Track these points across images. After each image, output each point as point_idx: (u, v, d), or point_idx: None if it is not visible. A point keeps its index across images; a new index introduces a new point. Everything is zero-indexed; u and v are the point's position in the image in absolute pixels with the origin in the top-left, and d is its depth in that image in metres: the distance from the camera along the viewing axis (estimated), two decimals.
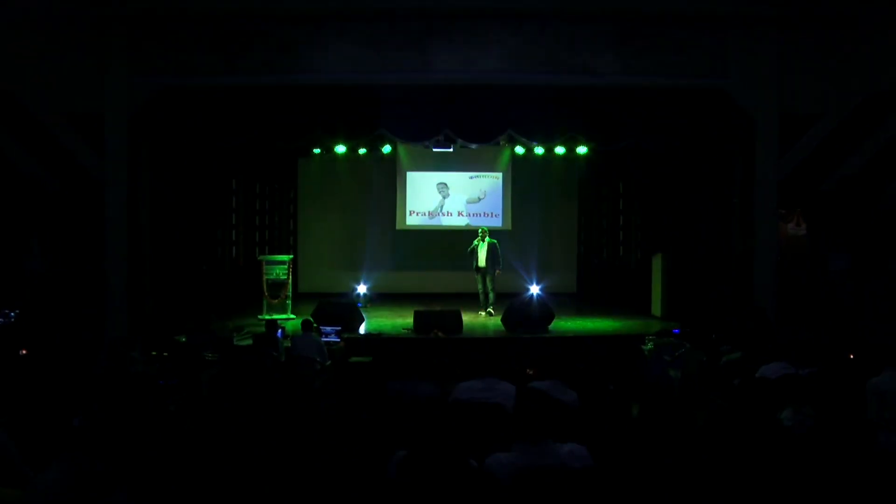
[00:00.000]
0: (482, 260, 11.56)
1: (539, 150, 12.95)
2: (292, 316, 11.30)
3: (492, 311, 11.23)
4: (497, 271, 11.64)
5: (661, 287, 11.61)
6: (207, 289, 11.32)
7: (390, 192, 14.46)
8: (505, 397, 4.97)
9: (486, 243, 11.57)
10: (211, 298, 11.24)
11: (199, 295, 10.98)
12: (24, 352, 7.77)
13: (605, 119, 10.05)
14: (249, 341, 8.91)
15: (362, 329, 10.24)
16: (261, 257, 11.77)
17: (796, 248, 10.84)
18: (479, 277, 11.72)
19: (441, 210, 14.35)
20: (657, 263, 11.83)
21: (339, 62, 9.56)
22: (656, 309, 11.77)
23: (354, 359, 8.53)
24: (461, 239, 14.05)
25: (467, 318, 10.59)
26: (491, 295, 11.63)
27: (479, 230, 11.70)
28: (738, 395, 4.84)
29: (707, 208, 10.92)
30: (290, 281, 11.47)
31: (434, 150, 12.17)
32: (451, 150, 12.16)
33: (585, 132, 10.30)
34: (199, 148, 10.67)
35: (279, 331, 8.92)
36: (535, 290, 13.04)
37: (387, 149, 13.02)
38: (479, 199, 14.41)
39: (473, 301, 11.96)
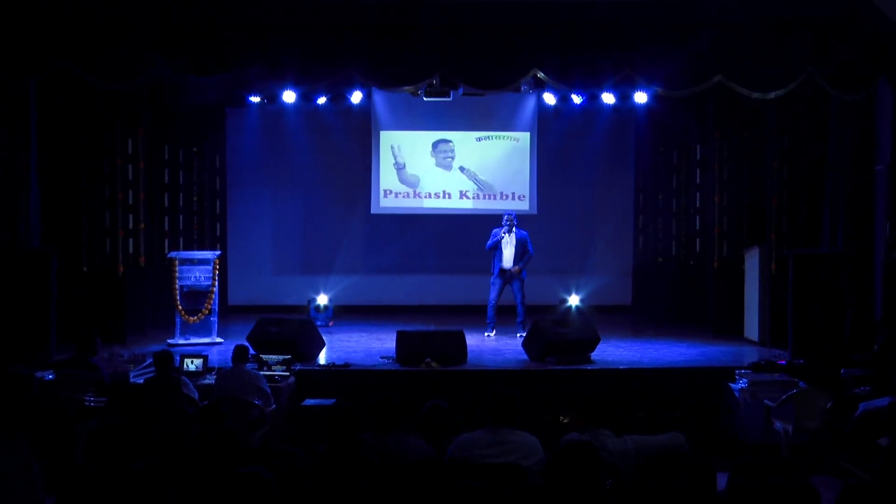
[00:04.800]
0: (509, 259, 11.57)
1: (578, 99, 12.86)
2: (219, 340, 11.28)
3: (523, 331, 11.22)
4: (516, 268, 11.64)
5: (760, 298, 11.52)
6: (90, 301, 11.23)
7: (362, 161, 14.38)
8: (522, 454, 5.08)
9: (513, 236, 11.57)
10: (95, 315, 11.15)
11: (76, 310, 10.87)
12: None
13: (674, 50, 9.94)
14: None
15: (322, 358, 10.20)
16: (172, 254, 11.68)
17: None
18: (498, 284, 11.73)
19: (435, 187, 14.24)
20: (753, 263, 11.77)
21: None
22: (752, 329, 11.71)
23: (310, 401, 8.52)
24: (463, 228, 14.00)
25: (472, 341, 10.54)
26: (521, 309, 11.72)
27: (505, 217, 11.71)
28: (888, 463, 4.73)
29: (832, 181, 10.84)
30: (215, 289, 11.41)
31: (426, 99, 12.07)
32: (451, 99, 12.08)
33: (646, 70, 10.16)
34: (72, 90, 10.51)
35: (189, 362, 8.89)
36: (572, 301, 12.94)
37: (357, 98, 12.96)
38: (490, 170, 14.31)
39: (480, 317, 11.92)
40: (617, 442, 5.26)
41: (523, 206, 14.17)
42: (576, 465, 4.65)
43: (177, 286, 11.26)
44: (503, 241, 11.60)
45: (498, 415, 5.25)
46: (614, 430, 5.38)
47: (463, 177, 14.37)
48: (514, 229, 11.62)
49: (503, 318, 11.85)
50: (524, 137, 14.37)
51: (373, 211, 14.42)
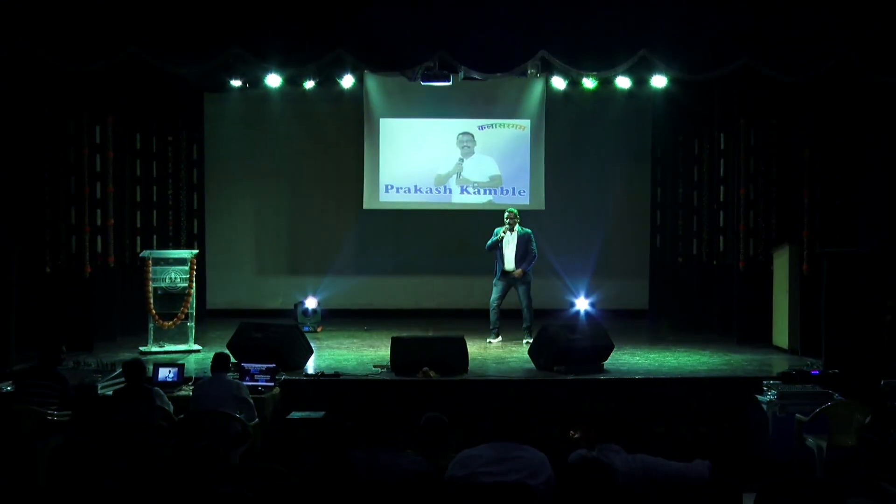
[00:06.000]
0: (511, 260, 11.60)
1: (590, 84, 12.87)
2: (197, 347, 11.30)
3: (529, 338, 11.22)
4: (518, 271, 11.66)
5: (790, 301, 11.55)
6: (54, 304, 11.25)
7: (354, 152, 14.39)
8: (529, 472, 5.06)
9: (515, 234, 11.60)
10: (60, 320, 11.16)
11: (38, 314, 10.88)
12: None
13: (695, 30, 9.96)
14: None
15: (310, 367, 10.20)
16: (144, 253, 11.69)
17: None
18: (501, 286, 11.76)
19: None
20: (783, 263, 11.80)
21: None
22: (781, 336, 11.74)
23: (297, 414, 8.55)
24: (463, 225, 14.00)
25: (474, 348, 10.59)
26: (527, 314, 11.77)
27: (506, 214, 11.72)
28: None
29: (870, 173, 10.79)
30: (192, 291, 11.44)
31: (423, 83, 12.08)
32: (451, 84, 12.11)
33: (666, 51, 10.19)
34: (32, 72, 10.47)
35: (164, 371, 8.85)
36: (582, 305, 12.95)
37: (349, 82, 12.98)
38: (494, 162, 14.34)
39: (482, 322, 11.98)
40: (626, 460, 5.23)
41: (530, 201, 14.16)
42: (587, 485, 4.63)
43: (150, 288, 11.27)
44: (504, 240, 11.62)
45: (502, 429, 5.23)
46: (629, 446, 5.36)
47: (463, 168, 14.36)
48: (516, 227, 11.64)
49: (508, 322, 11.91)
50: (531, 126, 14.34)
51: (365, 206, 14.37)
